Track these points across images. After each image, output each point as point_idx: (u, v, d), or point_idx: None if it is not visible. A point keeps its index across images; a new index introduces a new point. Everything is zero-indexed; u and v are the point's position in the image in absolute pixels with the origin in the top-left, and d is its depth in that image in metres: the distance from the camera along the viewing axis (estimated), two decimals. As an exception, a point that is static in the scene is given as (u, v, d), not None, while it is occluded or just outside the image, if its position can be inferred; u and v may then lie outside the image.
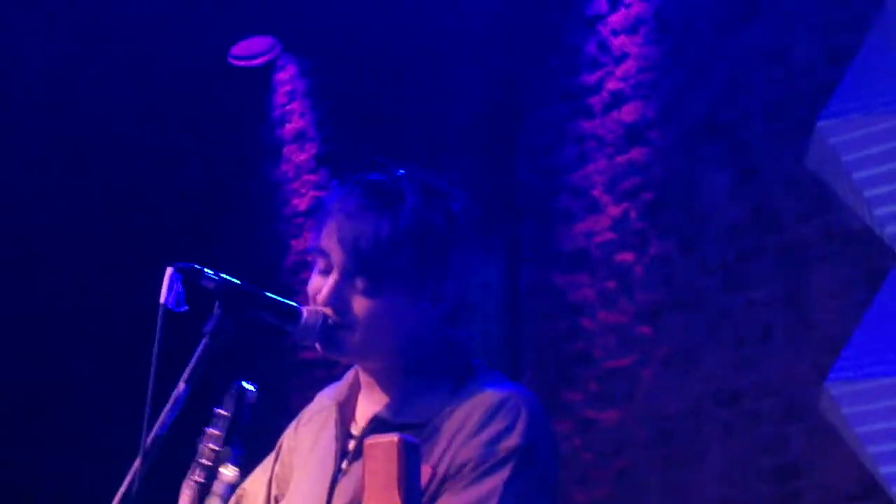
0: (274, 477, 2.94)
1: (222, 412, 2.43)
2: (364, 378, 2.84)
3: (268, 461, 2.99)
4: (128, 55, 7.85)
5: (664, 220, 6.47)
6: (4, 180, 7.87)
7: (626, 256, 6.58)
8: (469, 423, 2.64)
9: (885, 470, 5.46)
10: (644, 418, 6.39)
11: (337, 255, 2.71)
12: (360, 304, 2.70)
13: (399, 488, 2.15)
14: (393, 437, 2.19)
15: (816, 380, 5.68)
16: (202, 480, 2.44)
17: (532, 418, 2.65)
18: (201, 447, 2.44)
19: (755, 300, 6.07)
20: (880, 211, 5.63)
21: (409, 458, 2.19)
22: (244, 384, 2.48)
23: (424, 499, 2.56)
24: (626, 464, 6.39)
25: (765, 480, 5.94)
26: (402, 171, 2.80)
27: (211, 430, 2.45)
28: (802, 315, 5.90)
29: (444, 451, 2.63)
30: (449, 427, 2.65)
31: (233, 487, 2.50)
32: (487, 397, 2.68)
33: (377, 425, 2.67)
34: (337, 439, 2.77)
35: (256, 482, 2.98)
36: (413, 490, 2.17)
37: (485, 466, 2.60)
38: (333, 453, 2.76)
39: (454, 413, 2.67)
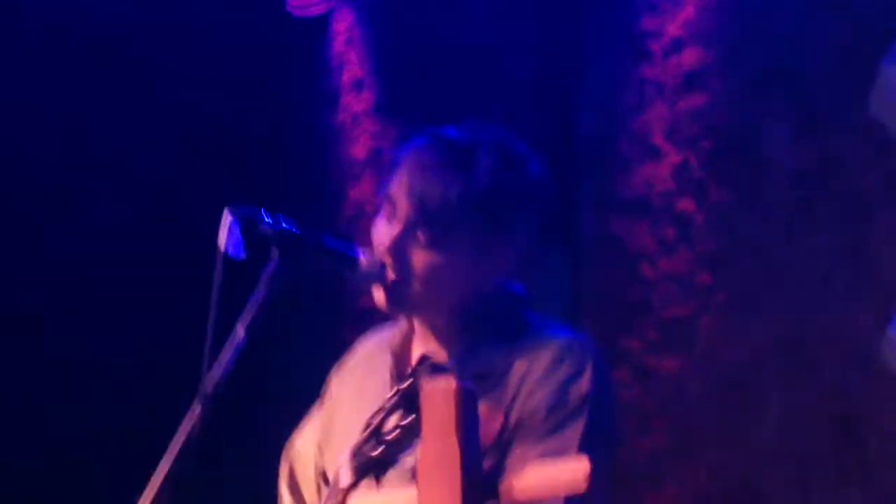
0: (323, 448, 2.96)
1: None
2: (420, 328, 2.86)
3: (315, 418, 3.01)
4: (188, 6, 7.86)
5: (725, 168, 6.44)
6: (70, 118, 7.93)
7: (686, 205, 6.56)
8: (536, 369, 2.67)
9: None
10: (703, 367, 6.38)
11: (403, 206, 2.73)
12: (419, 258, 2.72)
13: (458, 434, 2.15)
14: (451, 383, 2.19)
15: (878, 328, 5.67)
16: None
17: (597, 364, 2.67)
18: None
19: (816, 248, 6.04)
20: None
21: (467, 405, 2.18)
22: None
23: (497, 445, 2.58)
24: (684, 412, 6.39)
25: (825, 429, 5.92)
26: (482, 132, 2.80)
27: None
28: (864, 263, 5.87)
29: (514, 398, 2.66)
30: (515, 375, 2.68)
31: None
32: (552, 344, 2.71)
33: (434, 370, 2.68)
34: (392, 385, 2.78)
35: (307, 443, 3.00)
36: (471, 436, 2.17)
37: (558, 414, 2.62)
38: (388, 385, 2.77)
39: (518, 362, 2.70)
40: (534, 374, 2.61)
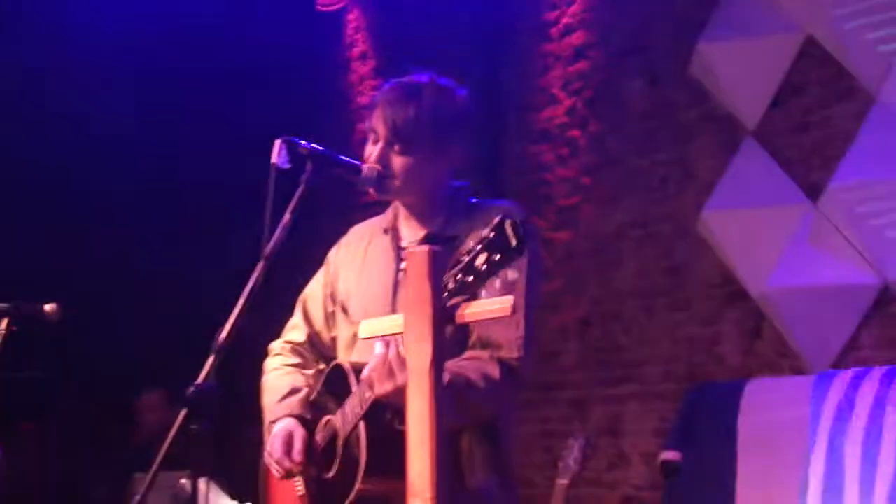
0: (326, 283, 2.95)
1: (490, 234, 2.19)
2: (404, 212, 2.84)
3: (319, 274, 3.00)
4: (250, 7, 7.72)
5: (598, 110, 6.43)
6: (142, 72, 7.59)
7: (574, 133, 6.55)
8: (488, 225, 2.63)
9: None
10: (584, 238, 6.41)
11: (381, 130, 2.73)
12: (397, 161, 2.72)
13: (429, 280, 2.17)
14: (425, 247, 2.20)
15: (696, 212, 5.71)
16: (468, 280, 2.19)
17: (526, 217, 2.65)
18: (473, 255, 2.19)
19: (657, 161, 6.05)
20: (737, 100, 5.61)
21: (436, 262, 2.19)
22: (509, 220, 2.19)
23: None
24: (573, 267, 6.42)
25: (661, 276, 5.97)
26: (424, 76, 2.81)
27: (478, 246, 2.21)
28: (687, 170, 5.89)
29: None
30: (473, 236, 2.66)
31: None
32: (496, 209, 2.68)
33: (430, 239, 2.67)
34: (393, 250, 2.78)
35: (315, 288, 3.00)
36: (437, 282, 2.18)
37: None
38: (392, 262, 2.77)
39: (473, 224, 2.65)
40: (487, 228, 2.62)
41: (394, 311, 2.61)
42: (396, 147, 2.70)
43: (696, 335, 5.74)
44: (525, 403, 6.16)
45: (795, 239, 5.25)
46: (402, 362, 2.31)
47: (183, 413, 2.36)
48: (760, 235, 5.38)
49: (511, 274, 2.57)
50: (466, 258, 2.19)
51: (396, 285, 2.70)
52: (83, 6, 7.34)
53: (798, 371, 5.16)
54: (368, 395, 2.44)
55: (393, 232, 2.83)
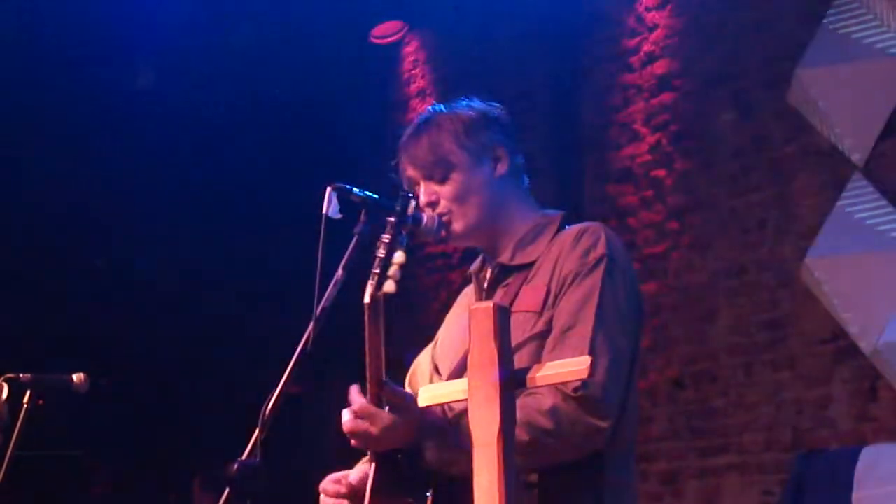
0: (433, 352, 2.96)
1: (390, 219, 2.40)
2: (484, 254, 2.86)
3: (430, 346, 3.01)
4: (305, 41, 7.79)
5: (686, 145, 6.41)
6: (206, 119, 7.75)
7: (660, 172, 6.53)
8: (564, 248, 2.66)
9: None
10: (673, 289, 6.37)
11: (414, 173, 2.76)
12: (445, 191, 2.74)
13: (495, 341, 2.16)
14: (489, 303, 2.20)
15: (798, 258, 5.65)
16: (377, 271, 2.40)
17: (609, 236, 2.65)
18: (377, 245, 2.41)
19: (752, 202, 6.01)
20: (842, 132, 5.57)
21: (502, 319, 2.19)
22: (409, 195, 2.44)
23: (545, 307, 2.59)
24: (662, 321, 6.38)
25: (762, 331, 5.91)
26: (429, 108, 2.87)
27: (383, 236, 2.44)
28: (787, 212, 5.84)
29: (552, 273, 2.65)
30: (549, 258, 2.67)
31: (402, 267, 2.45)
32: (572, 230, 2.71)
33: (501, 268, 2.72)
34: (477, 294, 2.80)
35: (423, 355, 3.01)
36: (505, 341, 2.18)
37: (584, 270, 2.61)
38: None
39: (552, 248, 2.68)
40: (563, 253, 2.60)
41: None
42: (437, 176, 2.72)
43: (801, 397, 5.66)
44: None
45: (913, 287, 5.18)
46: (369, 411, 2.43)
47: (226, 493, 2.37)
48: (872, 283, 5.31)
49: (581, 291, 2.57)
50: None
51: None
52: (126, 37, 7.50)
53: (920, 436, 5.08)
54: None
55: (476, 275, 2.85)
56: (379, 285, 2.40)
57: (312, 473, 2.91)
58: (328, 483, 2.70)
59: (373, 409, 2.43)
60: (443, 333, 2.95)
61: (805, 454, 5.25)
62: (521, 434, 2.42)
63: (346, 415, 2.47)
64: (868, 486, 4.54)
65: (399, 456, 2.46)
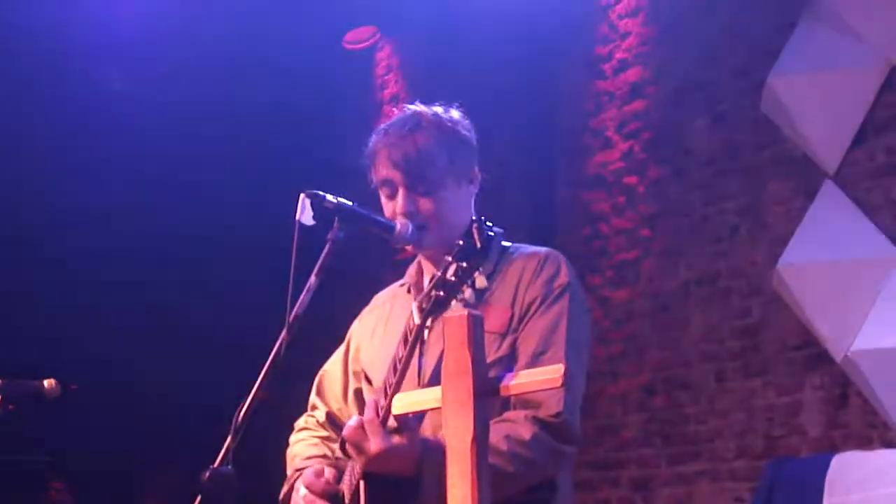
0: (346, 360, 2.96)
1: (459, 242, 2.35)
2: (427, 265, 2.85)
3: (339, 350, 3.01)
4: (277, 46, 7.77)
5: (658, 153, 6.43)
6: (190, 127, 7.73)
7: (632, 179, 6.55)
8: (526, 272, 2.68)
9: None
10: (645, 295, 6.38)
11: (395, 176, 2.73)
12: (426, 205, 2.72)
13: (469, 349, 2.17)
14: (464, 312, 2.20)
15: (769, 265, 5.67)
16: (440, 292, 2.36)
17: (568, 265, 2.69)
18: (444, 269, 2.36)
19: (725, 209, 6.03)
20: (814, 140, 5.59)
21: (475, 328, 2.20)
22: (476, 223, 2.35)
23: (510, 330, 2.60)
24: (633, 328, 6.39)
25: (734, 338, 5.92)
26: (408, 108, 2.84)
27: (448, 258, 2.36)
28: (758, 219, 5.87)
29: (514, 296, 2.66)
30: (508, 279, 2.68)
31: (482, 293, 2.44)
32: (533, 254, 2.73)
33: (438, 284, 2.69)
34: (418, 305, 2.77)
35: (334, 364, 3.01)
36: (479, 350, 2.18)
37: (550, 298, 2.64)
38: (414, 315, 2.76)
39: (508, 269, 2.69)
40: (525, 277, 2.62)
41: (419, 373, 2.63)
42: (421, 189, 2.70)
43: (773, 404, 5.68)
44: (581, 484, 6.11)
45: (883, 295, 5.20)
46: (375, 428, 2.41)
47: (198, 501, 2.36)
48: (844, 291, 5.33)
49: (549, 317, 2.59)
50: (439, 274, 2.33)
51: (424, 347, 2.69)
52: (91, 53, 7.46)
53: (889, 444, 5.09)
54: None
55: (416, 289, 2.83)
56: (434, 309, 2.37)
57: (282, 480, 2.91)
58: (312, 478, 2.70)
59: (378, 425, 2.43)
60: (363, 341, 2.93)
61: (776, 461, 5.26)
62: (507, 467, 2.48)
63: (352, 420, 2.48)
64: (838, 493, 4.56)
65: (394, 483, 2.45)
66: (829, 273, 5.43)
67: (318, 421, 3.00)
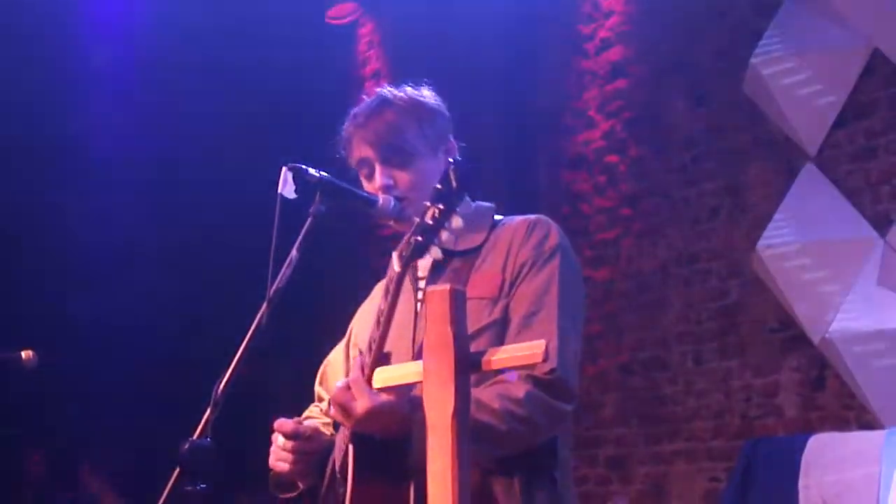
0: (350, 348, 2.95)
1: (438, 186, 2.31)
2: None
3: (343, 342, 3.00)
4: (260, 22, 7.75)
5: (639, 132, 6.43)
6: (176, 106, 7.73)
7: (613, 158, 6.55)
8: (517, 237, 2.68)
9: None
10: (625, 275, 6.39)
11: (371, 153, 2.75)
12: (403, 178, 2.72)
13: (451, 324, 2.16)
14: (445, 287, 2.20)
15: (749, 247, 5.69)
16: (419, 237, 2.33)
17: (558, 228, 2.69)
18: (422, 214, 2.33)
19: (705, 190, 6.04)
20: (795, 122, 5.60)
21: (458, 302, 2.19)
22: (452, 165, 2.33)
23: (501, 295, 2.60)
24: (612, 307, 6.40)
25: (712, 318, 5.94)
26: (385, 89, 2.85)
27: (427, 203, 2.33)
28: (739, 200, 5.88)
29: (505, 261, 2.66)
30: (499, 245, 2.68)
31: (472, 260, 2.52)
32: (522, 220, 2.73)
33: (444, 255, 2.69)
34: (411, 283, 2.77)
35: (337, 353, 3.00)
36: (461, 325, 2.18)
37: (540, 260, 2.63)
38: (410, 297, 2.75)
39: (498, 236, 2.69)
40: (516, 242, 2.61)
41: (414, 342, 2.62)
42: (396, 161, 2.72)
43: (750, 385, 5.70)
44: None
45: (862, 277, 5.22)
46: (361, 387, 2.37)
47: (176, 472, 2.35)
48: (822, 274, 5.35)
49: (541, 278, 2.59)
50: (418, 220, 2.32)
51: (417, 318, 2.69)
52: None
53: (866, 425, 5.12)
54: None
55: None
56: (414, 254, 2.35)
57: (263, 452, 2.91)
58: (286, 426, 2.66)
59: (364, 384, 2.38)
60: (359, 326, 2.93)
61: (752, 442, 5.29)
62: (500, 425, 2.44)
63: (339, 382, 2.44)
64: (814, 473, 4.59)
65: (383, 444, 2.43)
66: (808, 255, 5.45)
67: (322, 410, 3.00)
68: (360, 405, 2.37)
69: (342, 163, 2.86)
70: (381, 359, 2.41)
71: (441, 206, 2.30)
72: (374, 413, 2.38)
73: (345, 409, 2.40)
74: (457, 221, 2.30)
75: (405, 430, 2.40)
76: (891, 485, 4.26)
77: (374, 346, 2.43)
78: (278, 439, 2.69)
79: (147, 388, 7.41)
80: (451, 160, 2.39)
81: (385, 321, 2.44)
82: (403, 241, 2.37)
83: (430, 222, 2.31)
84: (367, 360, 2.42)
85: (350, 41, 8.30)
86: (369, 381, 2.39)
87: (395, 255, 2.41)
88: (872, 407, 5.15)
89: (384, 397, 2.39)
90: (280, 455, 2.67)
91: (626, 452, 6.24)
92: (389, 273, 2.47)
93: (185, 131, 7.67)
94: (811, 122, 5.53)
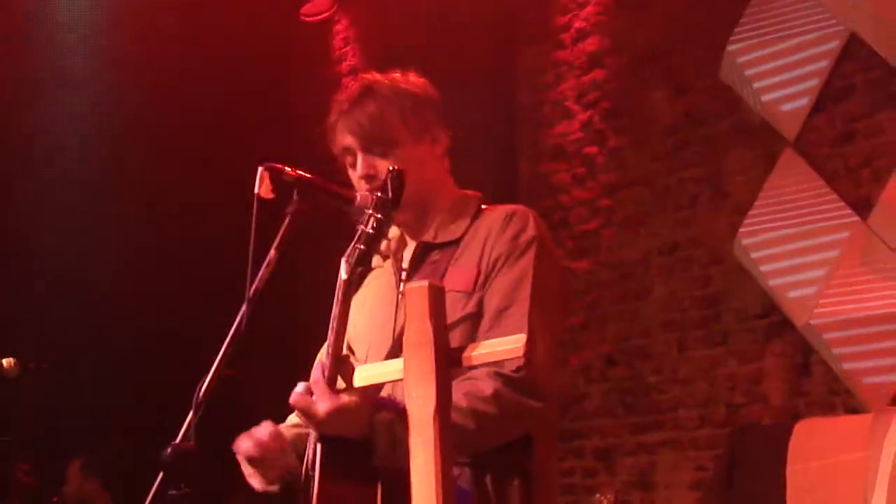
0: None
1: (378, 194, 2.37)
2: (398, 232, 2.83)
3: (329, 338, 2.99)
4: (235, 19, 7.72)
5: (618, 123, 6.43)
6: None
7: (592, 149, 6.55)
8: (493, 229, 2.67)
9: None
10: (607, 266, 6.40)
11: (352, 142, 2.73)
12: (384, 165, 2.69)
13: (430, 320, 2.16)
14: (424, 283, 2.19)
15: (730, 235, 5.70)
16: (361, 246, 2.37)
17: (537, 220, 2.67)
18: (363, 222, 2.37)
19: (685, 178, 6.05)
20: (774, 108, 5.62)
21: (436, 299, 2.19)
22: (394, 168, 2.39)
23: (476, 288, 2.60)
24: (595, 298, 6.41)
25: (695, 307, 5.95)
26: (370, 77, 2.83)
27: (367, 210, 2.39)
28: (720, 188, 5.89)
29: (481, 253, 2.65)
30: (477, 237, 2.67)
31: (452, 253, 2.58)
32: (501, 211, 2.72)
33: (424, 248, 2.70)
34: (395, 275, 2.77)
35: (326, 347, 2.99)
36: (440, 321, 2.18)
37: (516, 253, 2.63)
38: (393, 288, 2.75)
39: (478, 227, 2.68)
40: (492, 234, 2.60)
41: (394, 335, 2.63)
42: (377, 150, 2.70)
43: (735, 373, 5.71)
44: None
45: (844, 262, 5.23)
46: (321, 388, 2.36)
47: (160, 477, 2.35)
48: (805, 259, 5.36)
49: (514, 273, 2.58)
50: (361, 227, 2.36)
51: (397, 310, 2.69)
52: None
53: (852, 410, 5.13)
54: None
55: (395, 259, 2.82)
56: (360, 261, 2.38)
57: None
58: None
59: (324, 386, 2.37)
60: (353, 319, 2.92)
61: (738, 429, 5.31)
62: (468, 423, 2.43)
63: (298, 387, 2.42)
64: (801, 460, 4.60)
65: (349, 444, 2.43)
66: (790, 241, 5.46)
67: None
68: (322, 407, 2.35)
69: (318, 161, 2.85)
70: (339, 362, 2.40)
71: (380, 216, 2.34)
72: (335, 414, 2.37)
73: (306, 412, 2.39)
74: (393, 231, 2.41)
75: (368, 430, 2.39)
76: (878, 469, 4.27)
77: (329, 351, 2.41)
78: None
79: (132, 391, 7.41)
80: (390, 168, 2.39)
81: (337, 326, 2.42)
82: (350, 248, 2.38)
83: (371, 231, 2.35)
84: (327, 362, 2.41)
85: (325, 38, 8.27)
86: (331, 382, 2.39)
87: (343, 260, 2.40)
88: (858, 392, 5.16)
89: (345, 398, 2.38)
90: (247, 471, 2.66)
91: (611, 443, 6.24)
92: (338, 280, 2.45)
93: (155, 130, 7.65)
94: (790, 108, 5.54)
